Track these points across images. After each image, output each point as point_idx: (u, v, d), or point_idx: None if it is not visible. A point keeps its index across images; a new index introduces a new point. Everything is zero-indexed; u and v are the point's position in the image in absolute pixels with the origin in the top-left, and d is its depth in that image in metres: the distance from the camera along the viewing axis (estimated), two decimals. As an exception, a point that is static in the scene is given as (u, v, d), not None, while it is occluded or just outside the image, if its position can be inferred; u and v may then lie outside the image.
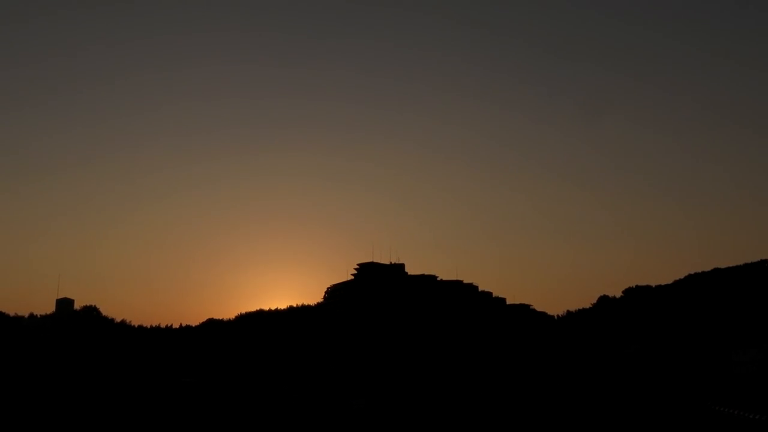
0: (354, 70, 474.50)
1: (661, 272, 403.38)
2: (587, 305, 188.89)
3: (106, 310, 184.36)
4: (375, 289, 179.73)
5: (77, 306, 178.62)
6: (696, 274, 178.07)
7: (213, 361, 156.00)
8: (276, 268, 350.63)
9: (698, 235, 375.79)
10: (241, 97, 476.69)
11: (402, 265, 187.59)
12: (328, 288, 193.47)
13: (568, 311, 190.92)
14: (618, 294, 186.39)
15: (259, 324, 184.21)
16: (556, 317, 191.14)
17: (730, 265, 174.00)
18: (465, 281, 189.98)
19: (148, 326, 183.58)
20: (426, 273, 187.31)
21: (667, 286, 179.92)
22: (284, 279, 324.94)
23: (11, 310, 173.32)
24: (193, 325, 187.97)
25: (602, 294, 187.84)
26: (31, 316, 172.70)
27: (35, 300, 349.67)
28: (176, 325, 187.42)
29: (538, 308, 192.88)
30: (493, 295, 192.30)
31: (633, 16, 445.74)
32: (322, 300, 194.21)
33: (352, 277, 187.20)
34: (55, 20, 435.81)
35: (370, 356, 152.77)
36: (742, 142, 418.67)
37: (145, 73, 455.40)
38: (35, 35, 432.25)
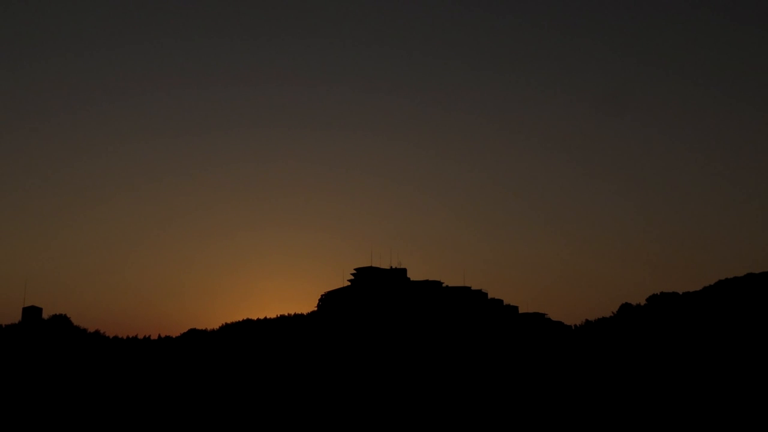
0: (352, 67, 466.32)
1: (689, 278, 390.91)
2: (608, 314, 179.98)
3: (78, 320, 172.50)
4: (374, 296, 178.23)
5: (46, 315, 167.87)
6: (727, 280, 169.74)
7: (196, 374, 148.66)
8: (265, 273, 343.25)
9: (729, 237, 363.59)
10: (228, 96, 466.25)
11: (404, 270, 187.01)
12: (322, 295, 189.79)
13: (586, 320, 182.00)
14: (642, 302, 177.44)
15: (247, 334, 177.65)
16: (573, 327, 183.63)
17: (766, 270, 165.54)
18: (473, 287, 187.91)
19: (124, 337, 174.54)
20: (430, 278, 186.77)
21: (695, 293, 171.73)
22: (274, 285, 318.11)
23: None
24: (174, 336, 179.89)
25: (624, 302, 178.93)
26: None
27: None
28: (155, 336, 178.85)
29: (554, 317, 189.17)
30: (505, 303, 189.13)
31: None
32: (315, 308, 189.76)
33: (349, 283, 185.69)
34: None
35: (369, 369, 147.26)
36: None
37: (138, 66, 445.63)
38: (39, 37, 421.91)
